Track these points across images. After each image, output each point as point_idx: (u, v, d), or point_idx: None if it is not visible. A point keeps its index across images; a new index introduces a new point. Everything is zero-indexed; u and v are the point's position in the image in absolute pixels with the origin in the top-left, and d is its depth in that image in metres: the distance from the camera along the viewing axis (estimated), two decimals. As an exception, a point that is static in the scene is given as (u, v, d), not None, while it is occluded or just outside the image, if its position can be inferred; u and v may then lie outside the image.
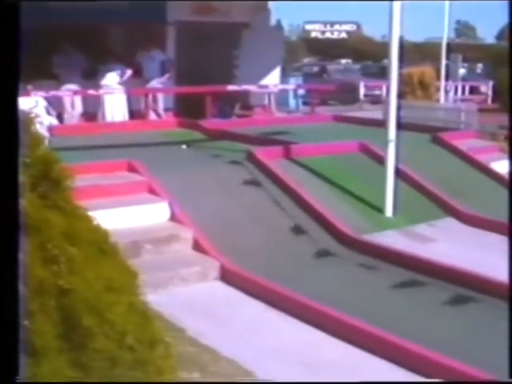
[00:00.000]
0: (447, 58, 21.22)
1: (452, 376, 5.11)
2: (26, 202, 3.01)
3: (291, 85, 21.73)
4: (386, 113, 9.89)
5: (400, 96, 10.00)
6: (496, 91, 26.04)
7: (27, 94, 10.78)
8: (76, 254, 3.00)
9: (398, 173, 9.62)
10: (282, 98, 19.90)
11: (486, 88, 28.18)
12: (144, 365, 3.02)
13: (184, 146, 10.68)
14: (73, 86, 15.00)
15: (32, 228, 2.96)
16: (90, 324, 2.86)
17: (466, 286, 7.04)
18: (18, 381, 2.73)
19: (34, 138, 3.32)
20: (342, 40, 65.56)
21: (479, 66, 34.30)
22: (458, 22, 70.96)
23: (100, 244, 3.20)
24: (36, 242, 2.95)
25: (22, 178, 2.90)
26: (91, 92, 14.84)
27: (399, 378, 5.24)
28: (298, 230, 8.62)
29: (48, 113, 11.61)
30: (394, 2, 9.30)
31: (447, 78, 21.41)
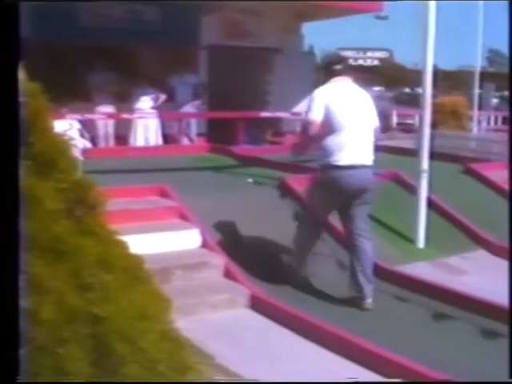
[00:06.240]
0: (480, 86, 21.06)
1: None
2: (61, 227, 3.00)
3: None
4: (419, 142, 9.83)
5: (432, 125, 9.93)
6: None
7: (62, 116, 10.87)
8: (111, 282, 2.99)
9: (430, 203, 9.55)
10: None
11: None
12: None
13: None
14: (107, 109, 15.11)
15: (66, 254, 2.96)
16: (124, 352, 2.85)
17: (498, 319, 6.94)
18: (18, 381, 2.72)
19: (70, 163, 3.34)
20: (375, 67, 65.62)
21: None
22: (490, 50, 70.50)
23: (135, 271, 3.19)
24: (69, 269, 2.94)
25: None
26: (125, 116, 14.94)
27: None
28: (330, 260, 8.56)
29: (82, 135, 11.71)
30: (428, 29, 9.25)
31: (480, 107, 21.25)
